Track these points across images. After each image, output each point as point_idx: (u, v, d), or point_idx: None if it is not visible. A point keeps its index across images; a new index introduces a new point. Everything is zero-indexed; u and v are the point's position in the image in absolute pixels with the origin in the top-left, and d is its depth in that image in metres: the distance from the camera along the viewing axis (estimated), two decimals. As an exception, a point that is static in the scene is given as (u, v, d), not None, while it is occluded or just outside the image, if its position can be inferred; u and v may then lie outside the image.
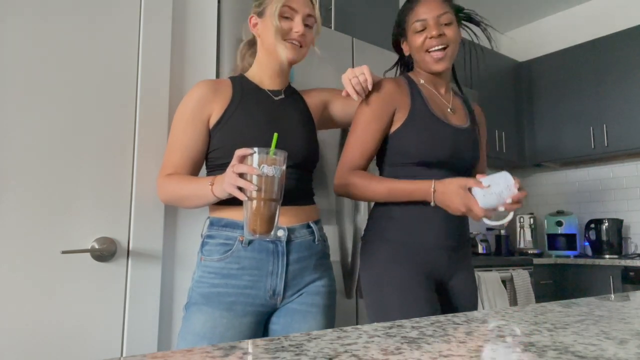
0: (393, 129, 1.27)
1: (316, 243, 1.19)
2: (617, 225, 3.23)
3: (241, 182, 0.96)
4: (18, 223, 1.15)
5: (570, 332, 0.48)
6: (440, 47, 1.25)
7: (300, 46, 1.23)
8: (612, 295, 0.81)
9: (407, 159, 1.25)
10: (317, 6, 1.26)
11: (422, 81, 1.33)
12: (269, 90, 1.26)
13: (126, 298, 1.29)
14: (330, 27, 2.04)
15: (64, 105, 1.25)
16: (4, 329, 1.11)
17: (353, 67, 1.91)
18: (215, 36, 1.56)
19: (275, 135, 1.00)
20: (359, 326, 0.50)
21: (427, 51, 1.27)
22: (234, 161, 0.99)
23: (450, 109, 1.32)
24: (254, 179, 0.96)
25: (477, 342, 0.44)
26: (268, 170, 0.96)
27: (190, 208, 1.21)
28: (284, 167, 0.99)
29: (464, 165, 1.28)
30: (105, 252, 1.26)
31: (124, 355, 1.27)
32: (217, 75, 1.55)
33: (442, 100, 1.33)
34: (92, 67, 1.31)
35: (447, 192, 1.13)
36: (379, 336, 0.45)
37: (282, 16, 1.20)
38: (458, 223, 1.27)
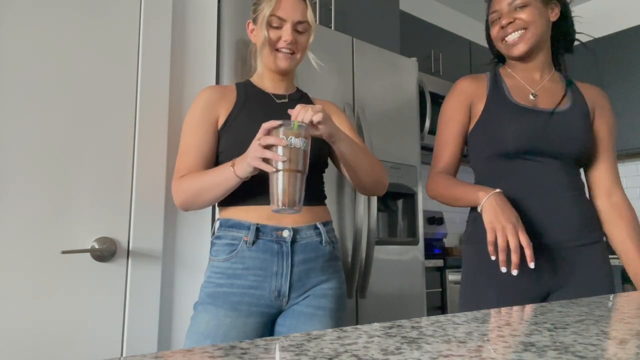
0: (471, 125, 1.27)
1: (323, 245, 1.18)
2: (617, 225, 3.22)
3: (268, 154, 0.97)
4: (18, 223, 1.15)
5: (570, 332, 0.48)
6: (514, 33, 1.22)
7: (293, 53, 1.21)
8: (612, 295, 0.81)
9: (487, 153, 1.22)
10: (309, 11, 1.22)
11: (509, 70, 1.30)
12: (272, 94, 1.26)
13: (126, 298, 1.29)
14: (330, 27, 2.04)
15: (64, 106, 1.25)
16: (4, 329, 1.11)
17: (353, 67, 1.92)
18: (215, 37, 1.57)
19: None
20: (359, 326, 0.50)
21: (503, 40, 1.25)
22: (260, 134, 1.00)
23: (533, 95, 1.25)
24: (280, 150, 0.97)
25: (477, 342, 0.44)
26: (296, 142, 0.97)
27: (207, 204, 1.17)
28: (309, 140, 1.00)
29: (559, 152, 1.18)
30: (105, 252, 1.26)
31: (124, 355, 1.27)
32: (217, 76, 1.55)
33: (525, 86, 1.26)
34: (92, 67, 1.31)
35: (508, 202, 1.07)
36: (379, 336, 0.45)
37: (271, 25, 1.19)
38: (567, 213, 1.15)
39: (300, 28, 1.21)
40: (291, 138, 0.97)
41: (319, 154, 1.21)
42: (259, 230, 1.12)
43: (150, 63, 1.40)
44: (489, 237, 1.04)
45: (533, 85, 1.26)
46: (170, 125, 1.42)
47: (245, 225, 1.12)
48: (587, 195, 1.27)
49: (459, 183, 1.19)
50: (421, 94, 2.45)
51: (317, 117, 1.00)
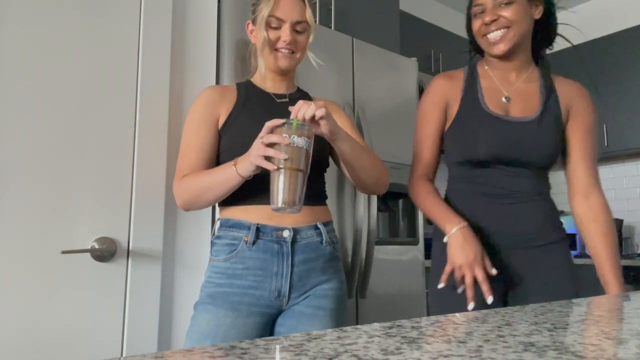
0: (446, 125, 1.26)
1: (324, 245, 1.17)
2: (617, 225, 3.23)
3: (271, 152, 0.97)
4: (18, 223, 1.15)
5: (570, 332, 0.48)
6: (496, 31, 1.18)
7: (292, 52, 1.21)
8: (611, 295, 0.81)
9: (458, 158, 1.23)
10: (308, 10, 1.22)
11: (486, 67, 1.28)
12: (272, 94, 1.26)
13: (126, 298, 1.29)
14: (330, 27, 2.04)
15: (64, 106, 1.25)
16: (4, 329, 1.11)
17: (353, 67, 1.92)
18: (215, 37, 1.57)
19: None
20: (359, 326, 0.50)
21: (484, 36, 1.22)
22: (263, 133, 1.00)
23: (506, 98, 1.22)
24: (283, 148, 0.97)
25: (477, 342, 0.44)
26: (298, 141, 0.97)
27: (209, 204, 1.17)
28: (312, 140, 1.01)
29: (526, 161, 1.18)
30: (105, 252, 1.26)
31: (124, 355, 1.27)
32: (217, 76, 1.55)
33: (500, 88, 1.24)
34: (92, 68, 1.31)
35: (472, 237, 1.10)
36: (379, 336, 0.45)
37: (270, 26, 1.19)
38: (520, 214, 1.17)
39: (299, 28, 1.21)
40: (294, 137, 0.97)
41: (320, 153, 1.21)
42: (259, 230, 1.12)
43: (150, 63, 1.40)
44: (447, 269, 1.11)
45: (508, 86, 1.24)
46: (170, 125, 1.42)
47: (246, 225, 1.12)
48: (567, 194, 1.28)
49: (434, 202, 1.21)
50: (421, 93, 2.44)
51: (319, 112, 1.00)
